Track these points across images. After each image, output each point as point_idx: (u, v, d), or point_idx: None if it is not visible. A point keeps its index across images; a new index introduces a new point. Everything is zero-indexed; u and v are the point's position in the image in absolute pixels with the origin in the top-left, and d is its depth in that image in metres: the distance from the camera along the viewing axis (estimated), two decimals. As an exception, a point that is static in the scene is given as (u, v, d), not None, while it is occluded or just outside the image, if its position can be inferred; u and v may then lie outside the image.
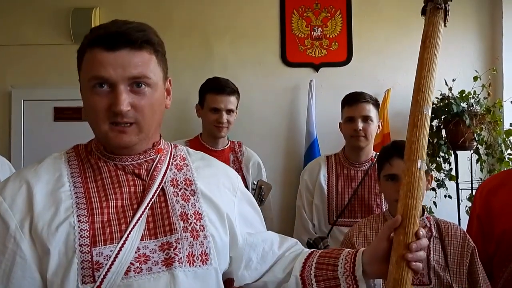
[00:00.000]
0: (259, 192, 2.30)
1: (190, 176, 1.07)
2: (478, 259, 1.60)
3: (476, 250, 1.61)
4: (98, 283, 0.87)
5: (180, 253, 0.96)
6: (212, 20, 3.31)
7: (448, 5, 1.11)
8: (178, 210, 1.00)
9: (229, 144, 2.43)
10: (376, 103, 2.15)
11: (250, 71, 3.29)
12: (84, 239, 0.90)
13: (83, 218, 0.92)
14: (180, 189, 1.04)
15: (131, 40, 0.93)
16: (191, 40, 3.28)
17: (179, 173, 1.07)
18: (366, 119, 2.09)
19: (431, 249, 1.59)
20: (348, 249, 1.08)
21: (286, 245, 1.18)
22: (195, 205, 1.03)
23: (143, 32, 0.96)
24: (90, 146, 1.05)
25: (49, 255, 0.88)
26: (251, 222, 1.16)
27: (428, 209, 2.95)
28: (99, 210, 0.94)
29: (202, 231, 1.00)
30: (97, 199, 0.95)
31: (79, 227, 0.91)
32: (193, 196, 1.04)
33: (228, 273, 1.12)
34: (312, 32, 3.30)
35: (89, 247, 0.90)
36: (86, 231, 0.91)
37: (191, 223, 1.00)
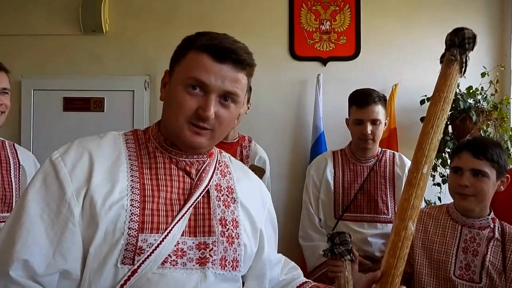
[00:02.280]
0: None
1: (232, 184, 1.12)
2: None
3: None
4: (135, 267, 0.91)
5: (215, 255, 0.99)
6: (220, 12, 3.32)
7: (467, 57, 1.00)
8: (219, 214, 1.04)
9: (238, 138, 2.44)
10: (384, 101, 2.14)
11: (257, 64, 3.26)
12: (134, 223, 0.93)
13: (135, 203, 0.95)
14: (223, 194, 1.08)
15: (239, 59, 1.00)
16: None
17: (223, 179, 1.11)
18: (375, 122, 2.08)
19: (489, 250, 1.58)
20: None
21: (286, 269, 1.24)
22: (234, 213, 1.07)
23: (249, 55, 1.03)
24: (148, 133, 1.08)
25: (97, 229, 0.91)
26: (269, 240, 1.19)
27: (433, 204, 2.97)
28: (151, 199, 0.97)
29: (237, 238, 1.04)
30: (150, 187, 0.99)
31: (130, 211, 0.94)
32: (233, 203, 1.08)
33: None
34: (321, 26, 3.30)
35: (136, 231, 0.93)
36: (136, 215, 0.94)
37: (228, 229, 1.03)
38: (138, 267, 0.91)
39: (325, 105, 3.18)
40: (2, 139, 1.89)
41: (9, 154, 1.85)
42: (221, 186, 1.09)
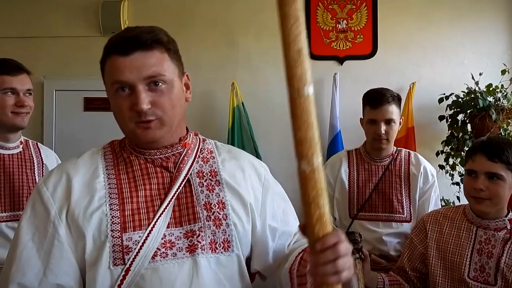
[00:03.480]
0: None
1: (215, 168, 1.13)
2: None
3: None
4: (127, 265, 0.95)
5: (203, 240, 1.01)
6: (236, 13, 3.35)
7: None
8: (203, 199, 1.06)
9: None
10: (398, 101, 2.12)
11: (273, 63, 3.31)
12: (115, 225, 0.98)
13: (114, 207, 1.00)
14: (206, 180, 1.09)
15: (141, 42, 0.98)
16: (215, 33, 3.33)
17: (205, 165, 1.12)
18: (389, 121, 2.07)
19: (505, 251, 1.54)
20: None
21: (294, 239, 1.20)
22: (219, 195, 1.08)
23: (152, 34, 1.00)
24: (124, 142, 1.12)
25: (85, 239, 0.97)
26: (275, 213, 1.18)
27: (452, 203, 2.94)
28: (129, 199, 1.02)
29: (225, 219, 1.05)
30: (128, 189, 1.03)
31: (111, 214, 0.99)
32: (217, 186, 1.09)
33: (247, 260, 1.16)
34: (337, 25, 3.29)
35: (119, 232, 0.97)
36: (117, 218, 0.99)
37: (214, 212, 1.05)
38: (130, 265, 0.95)
39: (342, 104, 3.18)
40: (26, 138, 1.95)
41: (33, 153, 1.91)
42: (203, 172, 1.10)
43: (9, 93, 1.77)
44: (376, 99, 2.09)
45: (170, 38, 1.05)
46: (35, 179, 1.85)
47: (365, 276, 1.59)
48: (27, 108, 1.80)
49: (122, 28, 3.27)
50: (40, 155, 1.93)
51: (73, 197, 1.00)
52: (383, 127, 2.05)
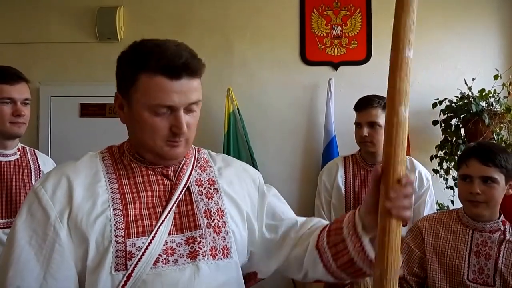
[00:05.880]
0: None
1: (213, 176, 1.16)
2: None
3: None
4: (129, 271, 0.96)
5: (204, 247, 1.04)
6: (232, 18, 3.36)
7: None
8: (202, 207, 1.09)
9: None
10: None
11: (269, 69, 3.34)
12: (119, 231, 0.99)
13: (118, 212, 1.01)
14: (204, 188, 1.13)
15: (192, 70, 1.00)
16: (211, 38, 3.34)
17: (203, 174, 1.15)
18: (373, 125, 2.11)
19: (502, 252, 1.59)
20: (352, 211, 1.08)
21: (306, 226, 1.21)
22: (218, 203, 1.11)
23: (197, 59, 1.03)
24: (123, 148, 1.13)
25: (88, 244, 0.97)
26: (275, 212, 1.21)
27: (446, 207, 2.97)
28: (132, 205, 1.02)
29: (224, 227, 1.08)
30: (130, 195, 1.04)
31: (114, 219, 0.99)
32: (216, 194, 1.13)
33: (250, 267, 1.20)
34: (332, 31, 3.32)
35: (123, 238, 0.98)
36: (121, 223, 1.00)
37: (214, 219, 1.08)
38: (132, 271, 0.96)
39: (337, 110, 3.20)
40: (23, 145, 1.95)
41: (30, 160, 1.92)
42: (202, 181, 1.13)
43: (7, 102, 1.77)
44: (361, 104, 2.17)
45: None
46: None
47: None
48: (24, 118, 1.81)
49: (118, 34, 3.32)
50: (37, 162, 1.94)
51: (75, 200, 0.99)
52: (365, 130, 2.10)
